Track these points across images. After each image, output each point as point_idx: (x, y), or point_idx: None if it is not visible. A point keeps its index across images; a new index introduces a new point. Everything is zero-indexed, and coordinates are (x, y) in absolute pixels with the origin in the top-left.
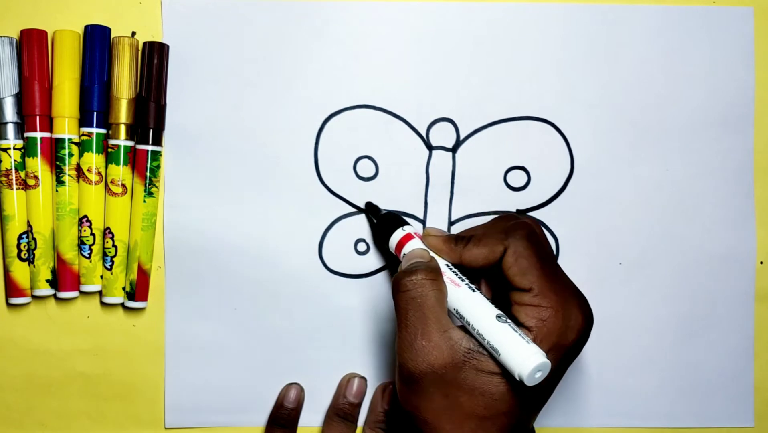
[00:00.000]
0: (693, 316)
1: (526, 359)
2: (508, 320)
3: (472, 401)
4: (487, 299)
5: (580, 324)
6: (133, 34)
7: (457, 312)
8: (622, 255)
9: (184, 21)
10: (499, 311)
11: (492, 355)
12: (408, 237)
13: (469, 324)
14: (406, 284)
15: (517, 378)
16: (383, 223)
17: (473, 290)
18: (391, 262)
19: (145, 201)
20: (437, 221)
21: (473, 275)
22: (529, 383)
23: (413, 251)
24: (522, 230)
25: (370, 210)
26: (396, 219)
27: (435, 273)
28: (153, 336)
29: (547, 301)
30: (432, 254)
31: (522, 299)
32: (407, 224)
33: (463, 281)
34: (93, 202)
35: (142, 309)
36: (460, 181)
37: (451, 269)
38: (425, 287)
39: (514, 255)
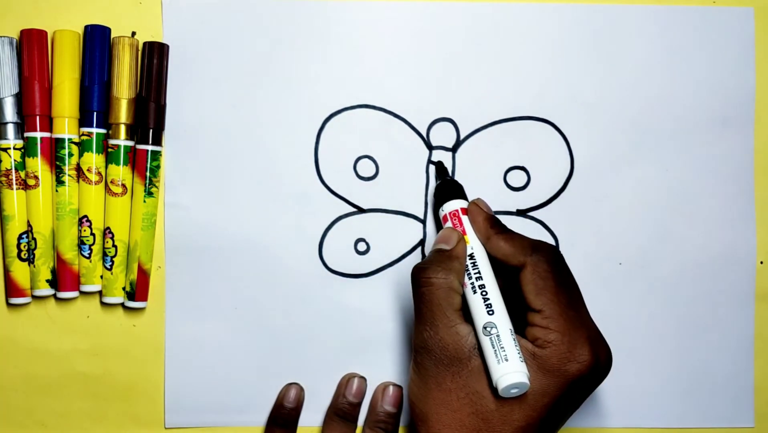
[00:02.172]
0: (693, 316)
1: (501, 375)
2: (494, 332)
3: (471, 406)
4: (486, 303)
5: (586, 358)
6: (133, 34)
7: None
8: (622, 255)
9: (184, 21)
10: (490, 320)
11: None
12: (453, 214)
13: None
14: (418, 279)
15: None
16: (441, 189)
17: (474, 291)
18: (391, 262)
19: (145, 201)
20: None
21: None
22: (503, 394)
23: (444, 232)
24: (548, 251)
25: (438, 170)
26: (456, 190)
27: (448, 269)
28: (153, 336)
29: (555, 325)
30: (470, 230)
31: (533, 318)
32: (465, 198)
33: (470, 278)
34: (93, 202)
35: (142, 309)
36: (460, 181)
37: (473, 260)
38: (433, 285)
39: (533, 273)
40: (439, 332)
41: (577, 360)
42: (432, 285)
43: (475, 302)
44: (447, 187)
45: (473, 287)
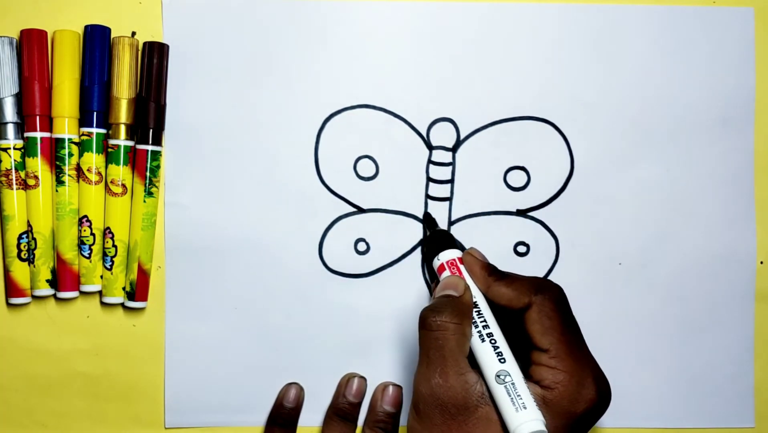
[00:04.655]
0: (693, 316)
1: (520, 424)
2: (508, 380)
3: None
4: (497, 351)
5: (592, 397)
6: (133, 34)
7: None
8: (622, 255)
9: (184, 21)
10: (503, 368)
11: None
12: (451, 263)
13: (480, 373)
14: (430, 323)
15: None
16: (434, 239)
17: (483, 340)
18: (391, 262)
19: (145, 201)
20: (437, 222)
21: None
22: None
23: (449, 279)
24: (553, 291)
25: (427, 222)
26: (448, 239)
27: (461, 315)
28: (153, 336)
29: (563, 365)
30: (469, 280)
31: (539, 358)
32: (457, 247)
33: (477, 327)
34: (93, 202)
35: (142, 309)
36: (460, 181)
37: (477, 308)
38: (448, 330)
39: (539, 312)
40: (449, 380)
41: (585, 399)
42: (447, 330)
43: (485, 351)
44: (439, 237)
45: (481, 336)
